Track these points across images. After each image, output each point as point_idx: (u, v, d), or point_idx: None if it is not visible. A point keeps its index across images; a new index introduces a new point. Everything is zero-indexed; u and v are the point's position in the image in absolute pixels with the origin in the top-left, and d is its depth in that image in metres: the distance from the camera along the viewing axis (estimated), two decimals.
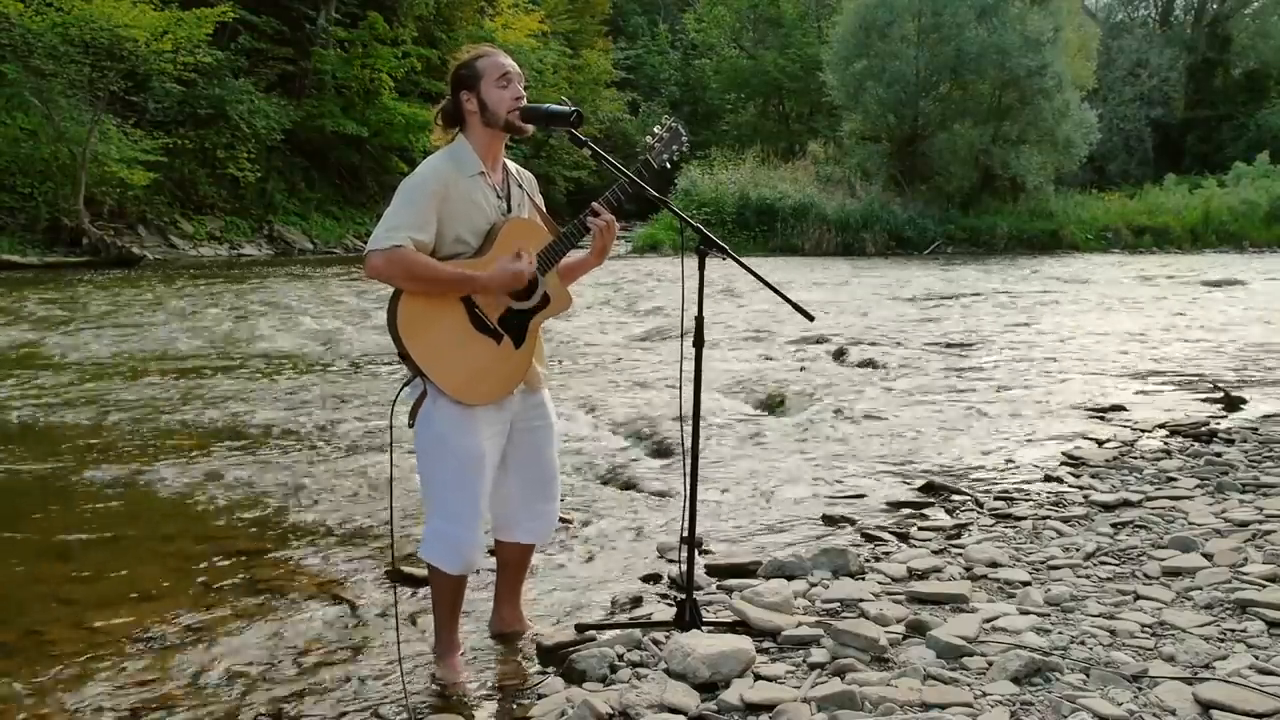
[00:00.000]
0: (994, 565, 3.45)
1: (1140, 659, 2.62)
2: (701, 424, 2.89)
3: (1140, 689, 2.45)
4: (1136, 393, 6.98)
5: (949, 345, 9.46)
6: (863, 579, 3.32)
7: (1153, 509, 4.08)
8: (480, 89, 2.68)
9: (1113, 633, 2.81)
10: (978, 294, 14.80)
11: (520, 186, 2.85)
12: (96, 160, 20.91)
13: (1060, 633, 2.82)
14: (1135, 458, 5.03)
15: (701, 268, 2.82)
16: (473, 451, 2.68)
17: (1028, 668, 2.53)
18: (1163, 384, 7.36)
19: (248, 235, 25.98)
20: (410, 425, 2.70)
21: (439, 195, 2.62)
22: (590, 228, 2.77)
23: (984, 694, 2.44)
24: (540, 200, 2.94)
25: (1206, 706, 2.33)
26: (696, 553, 3.02)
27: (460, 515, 2.70)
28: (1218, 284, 16.06)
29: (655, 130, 2.90)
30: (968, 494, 4.46)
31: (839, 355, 8.88)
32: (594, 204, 2.78)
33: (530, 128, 2.73)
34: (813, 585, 3.28)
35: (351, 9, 29.92)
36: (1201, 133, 40.55)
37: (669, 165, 2.93)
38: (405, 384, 2.71)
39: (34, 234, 20.46)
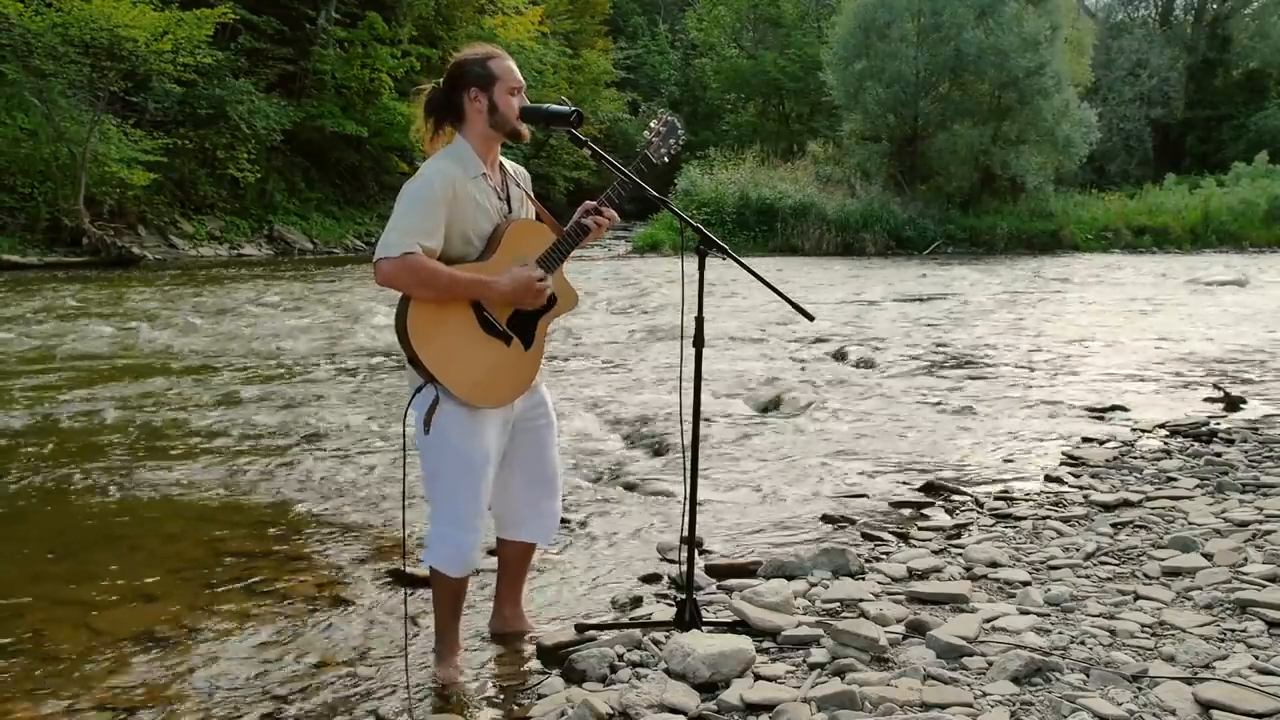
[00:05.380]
0: (994, 565, 3.45)
1: (1140, 659, 2.62)
2: (701, 424, 2.89)
3: (1140, 689, 2.46)
4: (1136, 393, 6.98)
5: (949, 345, 9.45)
6: (863, 579, 3.32)
7: (1153, 509, 4.09)
8: (493, 91, 2.66)
9: (1113, 633, 2.81)
10: (977, 294, 14.80)
11: (519, 186, 2.84)
12: (96, 160, 20.91)
13: (1060, 633, 2.82)
14: (1135, 458, 5.03)
15: (701, 268, 2.82)
16: (478, 454, 2.68)
17: (1028, 668, 2.53)
18: (1163, 384, 7.36)
19: (248, 235, 25.97)
20: (426, 432, 2.64)
21: (446, 199, 2.60)
22: (588, 226, 2.76)
23: (984, 694, 2.45)
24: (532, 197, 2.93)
25: (1206, 706, 2.33)
26: (696, 553, 3.03)
27: (463, 518, 2.70)
28: (1217, 284, 16.05)
29: (651, 125, 2.88)
30: (968, 494, 4.46)
31: (839, 355, 8.88)
32: (601, 201, 2.77)
33: (528, 134, 2.72)
34: (813, 585, 3.28)
35: (351, 9, 29.91)
36: (1201, 133, 40.54)
37: (667, 160, 2.92)
38: (417, 390, 2.66)
39: (34, 234, 20.46)
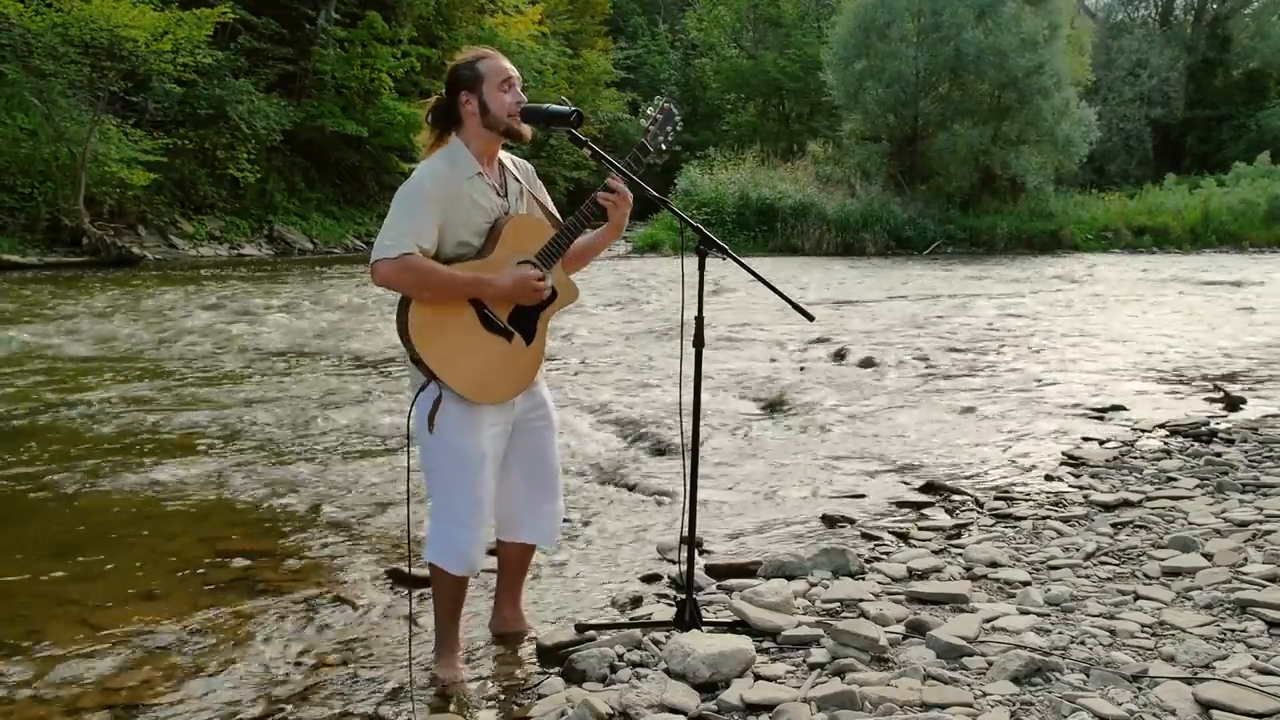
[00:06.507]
0: (994, 565, 3.45)
1: (1140, 659, 2.62)
2: (701, 424, 2.89)
3: (1140, 689, 2.46)
4: (1136, 393, 6.98)
5: (949, 345, 9.46)
6: (863, 579, 3.32)
7: (1153, 509, 4.08)
8: (482, 91, 2.67)
9: (1113, 633, 2.81)
10: (977, 294, 14.80)
11: (517, 180, 2.84)
12: (96, 160, 20.91)
13: (1060, 633, 2.82)
14: (1135, 458, 5.03)
15: (701, 268, 2.82)
16: (475, 451, 2.68)
17: (1028, 668, 2.53)
18: (1163, 384, 7.36)
19: (248, 235, 25.98)
20: (431, 430, 2.64)
21: (438, 200, 2.61)
22: (603, 204, 2.73)
23: (984, 694, 2.45)
24: (541, 188, 2.91)
25: (1206, 706, 2.33)
26: (696, 553, 3.02)
27: (464, 516, 2.70)
28: (1217, 284, 16.05)
29: (649, 113, 2.87)
30: (968, 494, 4.46)
31: (839, 355, 8.88)
32: (609, 181, 2.75)
33: (529, 132, 2.72)
34: (813, 585, 3.28)
35: (351, 9, 29.91)
36: (1201, 133, 40.56)
37: (664, 147, 2.87)
38: (420, 389, 2.66)
39: (34, 234, 20.45)
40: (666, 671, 2.62)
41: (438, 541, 2.73)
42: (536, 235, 2.75)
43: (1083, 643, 2.74)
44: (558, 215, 2.88)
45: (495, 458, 2.76)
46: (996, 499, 4.37)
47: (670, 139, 2.86)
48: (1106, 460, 5.00)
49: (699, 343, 2.83)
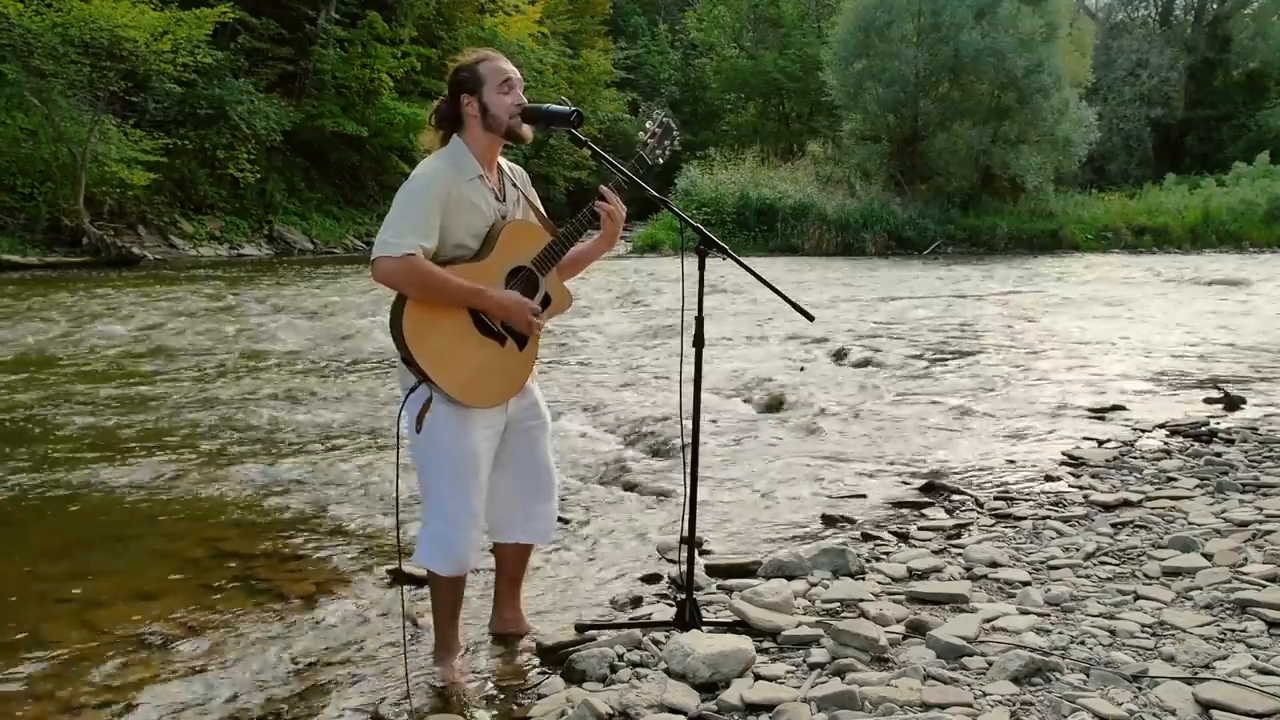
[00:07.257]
0: (994, 565, 3.45)
1: (1140, 659, 2.62)
2: (701, 424, 2.89)
3: (1140, 689, 2.46)
4: (1136, 393, 6.98)
5: (948, 345, 9.46)
6: (863, 579, 3.32)
7: (1153, 509, 4.09)
8: (482, 93, 2.67)
9: (1113, 633, 2.81)
10: (977, 294, 14.80)
11: (515, 185, 2.84)
12: (96, 160, 20.92)
13: (1060, 633, 2.82)
14: (1135, 458, 5.03)
15: (701, 267, 2.82)
16: (467, 453, 2.68)
17: (1028, 668, 2.53)
18: (1163, 384, 7.36)
19: (248, 235, 25.99)
20: (418, 431, 2.65)
21: (441, 200, 2.61)
22: (599, 212, 2.76)
23: (984, 694, 2.45)
24: (534, 195, 2.93)
25: (1206, 706, 2.33)
26: (696, 553, 3.03)
27: (453, 517, 2.70)
28: (1218, 284, 16.05)
29: (647, 126, 2.90)
30: (968, 494, 4.46)
31: (839, 355, 8.88)
32: (602, 188, 2.78)
33: (529, 133, 2.72)
34: (813, 585, 3.28)
35: (351, 9, 29.91)
36: (1201, 133, 40.54)
37: (662, 161, 2.93)
38: (410, 390, 2.66)
39: (34, 234, 20.46)
40: (666, 671, 2.62)
41: (428, 543, 2.73)
42: (533, 241, 2.75)
43: (1083, 643, 2.74)
44: (551, 223, 2.88)
45: (488, 459, 2.76)
46: (996, 499, 4.38)
47: (667, 153, 2.90)
48: (1106, 460, 5.00)
49: (699, 342, 2.83)
